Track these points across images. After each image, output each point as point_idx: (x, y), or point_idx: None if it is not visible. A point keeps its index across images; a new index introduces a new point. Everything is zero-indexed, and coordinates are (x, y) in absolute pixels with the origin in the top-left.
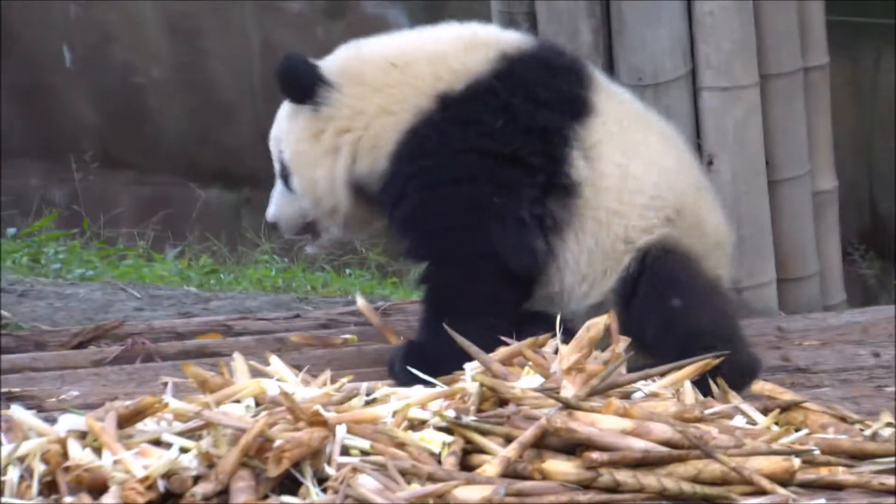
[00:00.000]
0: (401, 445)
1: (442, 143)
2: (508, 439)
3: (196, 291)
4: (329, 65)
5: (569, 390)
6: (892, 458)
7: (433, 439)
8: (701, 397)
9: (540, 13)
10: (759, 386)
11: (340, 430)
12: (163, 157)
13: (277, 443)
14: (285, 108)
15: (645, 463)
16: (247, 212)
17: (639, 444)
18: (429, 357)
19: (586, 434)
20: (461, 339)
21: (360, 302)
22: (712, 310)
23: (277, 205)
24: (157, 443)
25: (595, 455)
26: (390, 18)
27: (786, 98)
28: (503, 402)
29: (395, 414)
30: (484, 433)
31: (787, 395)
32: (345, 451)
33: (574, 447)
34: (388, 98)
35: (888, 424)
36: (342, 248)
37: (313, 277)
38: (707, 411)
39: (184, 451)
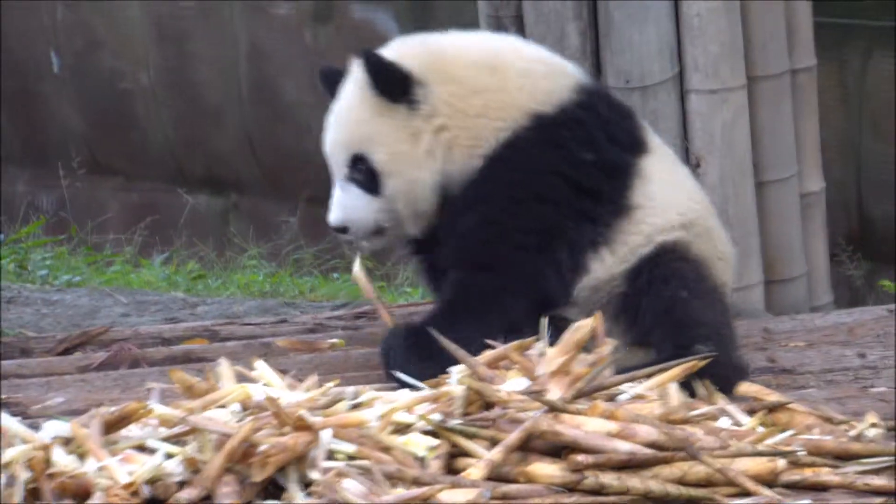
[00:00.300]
0: (386, 449)
1: (533, 159)
2: (494, 442)
3: (183, 297)
4: (408, 63)
5: (554, 393)
6: (877, 459)
7: (418, 443)
8: (687, 399)
9: (527, 15)
10: (744, 387)
11: (326, 435)
12: (150, 163)
13: (262, 448)
14: (369, 108)
15: (630, 465)
16: (234, 217)
17: (624, 447)
18: (428, 342)
19: (572, 437)
20: (446, 342)
21: (356, 270)
22: (712, 307)
23: (349, 208)
24: (142, 448)
25: (580, 458)
26: (378, 22)
27: (773, 100)
28: (489, 406)
29: (380, 418)
30: (469, 436)
31: (773, 397)
32: (330, 455)
33: (560, 450)
34: (489, 103)
35: (873, 425)
36: (329, 253)
37: (300, 282)
38: (692, 413)
39: (169, 456)
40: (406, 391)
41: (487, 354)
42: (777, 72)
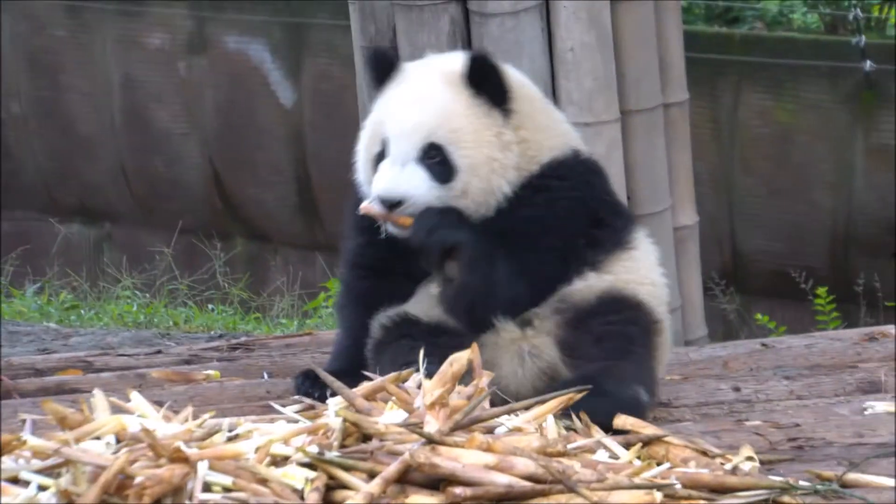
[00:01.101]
0: (263, 482)
1: (577, 186)
2: (372, 475)
3: (56, 327)
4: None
5: (432, 425)
6: (753, 493)
7: (296, 475)
8: (564, 432)
9: (402, 49)
10: (621, 420)
11: (202, 467)
12: (22, 193)
13: (138, 480)
14: (464, 105)
15: (508, 498)
16: (108, 247)
17: (502, 479)
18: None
19: (449, 469)
20: (326, 376)
21: (365, 205)
22: (646, 357)
23: (410, 186)
24: (16, 481)
25: (458, 490)
26: (252, 53)
27: (646, 134)
28: (367, 438)
29: (257, 450)
30: (347, 469)
31: (649, 430)
32: (206, 487)
33: (437, 482)
34: (553, 128)
35: (748, 459)
36: (204, 284)
37: (175, 313)
38: (570, 446)
39: (42, 488)
40: (283, 423)
41: (365, 386)
42: (650, 106)
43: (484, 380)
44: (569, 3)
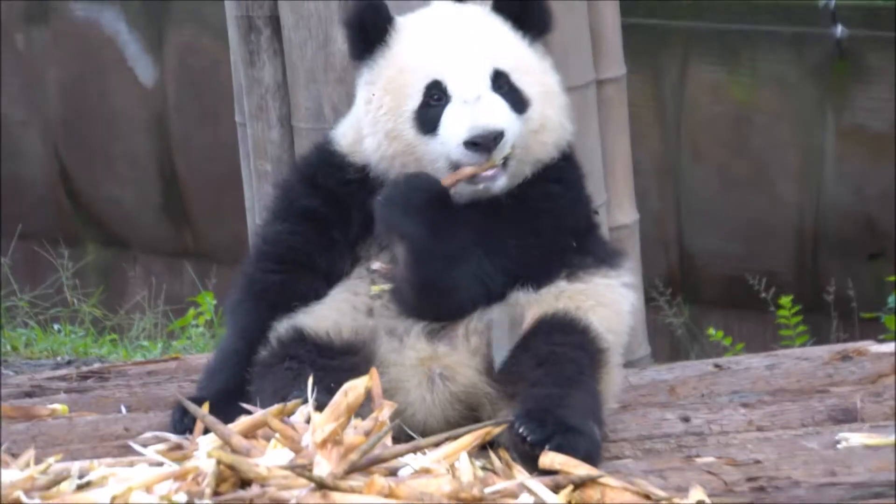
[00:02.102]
0: None
1: (580, 181)
2: None
3: None
4: None
5: (323, 467)
6: None
7: None
8: (480, 473)
9: (284, 17)
10: (548, 458)
11: None
12: None
13: None
14: (513, 38)
15: None
16: None
17: None
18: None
19: None
20: (193, 408)
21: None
22: (591, 386)
23: (506, 116)
24: None
25: None
26: (104, 22)
27: (577, 116)
28: (245, 483)
29: (114, 499)
30: None
31: (581, 469)
32: None
33: None
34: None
35: (699, 503)
36: (48, 300)
37: (14, 335)
38: (487, 490)
39: None
40: (145, 467)
41: (243, 422)
42: (580, 83)
43: (385, 411)
44: None
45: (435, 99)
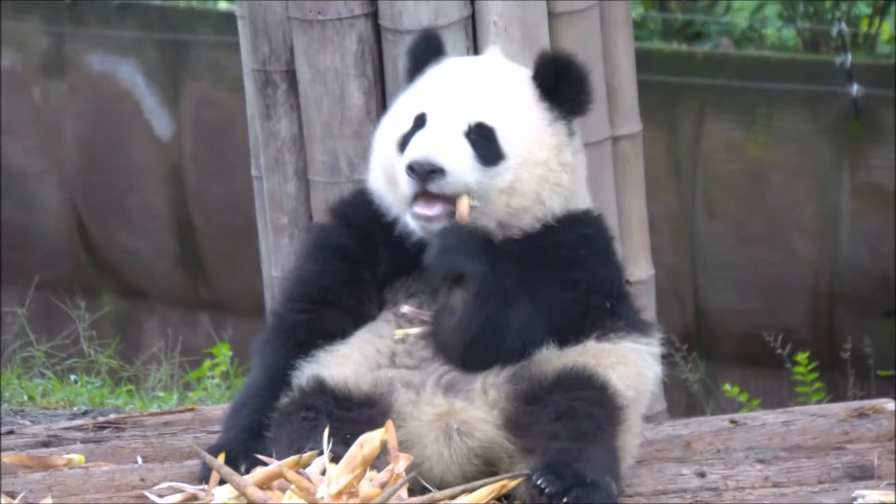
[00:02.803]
0: None
1: (609, 246)
2: None
3: None
4: None
5: None
6: None
7: None
8: None
9: (301, 72)
10: None
11: None
12: None
13: None
14: (525, 95)
15: None
16: None
17: None
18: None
19: None
20: (210, 458)
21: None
22: (616, 434)
23: (454, 156)
24: None
25: None
26: (121, 75)
27: (592, 172)
28: None
29: None
30: None
31: None
32: None
33: None
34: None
35: None
36: (65, 350)
37: (30, 385)
38: None
39: None
40: None
41: (258, 473)
42: (596, 139)
43: (401, 464)
44: (499, 19)
45: (416, 128)
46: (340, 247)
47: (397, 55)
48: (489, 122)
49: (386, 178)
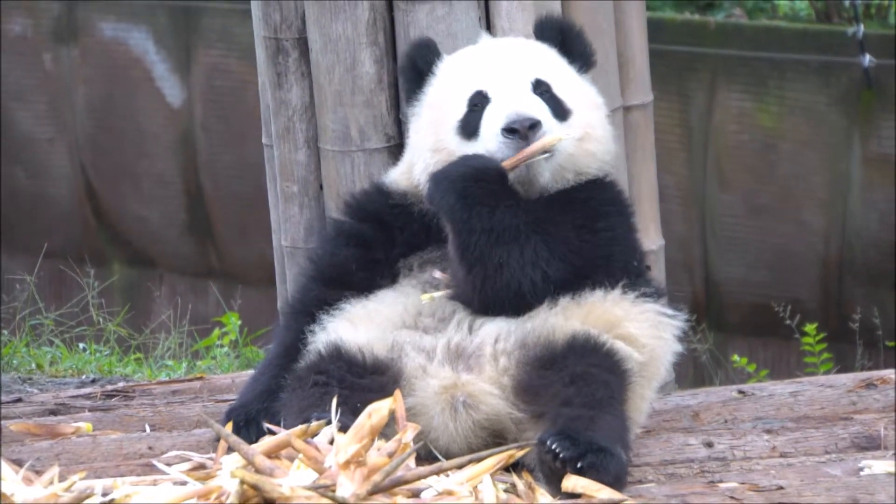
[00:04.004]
0: None
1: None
2: None
3: None
4: None
5: (346, 488)
6: None
7: None
8: (503, 495)
9: (312, 40)
10: (571, 482)
11: None
12: None
13: None
14: (555, 56)
15: None
16: None
17: None
18: None
19: None
20: (218, 427)
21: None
22: (625, 401)
23: (540, 109)
24: None
25: None
26: (132, 42)
27: None
28: (268, 503)
29: None
30: None
31: (604, 493)
32: None
33: None
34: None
35: None
36: (74, 318)
37: (39, 353)
38: None
39: None
40: (169, 485)
41: (266, 442)
42: (608, 109)
43: (409, 433)
44: None
45: (477, 107)
46: (354, 232)
47: (409, 23)
48: (544, 78)
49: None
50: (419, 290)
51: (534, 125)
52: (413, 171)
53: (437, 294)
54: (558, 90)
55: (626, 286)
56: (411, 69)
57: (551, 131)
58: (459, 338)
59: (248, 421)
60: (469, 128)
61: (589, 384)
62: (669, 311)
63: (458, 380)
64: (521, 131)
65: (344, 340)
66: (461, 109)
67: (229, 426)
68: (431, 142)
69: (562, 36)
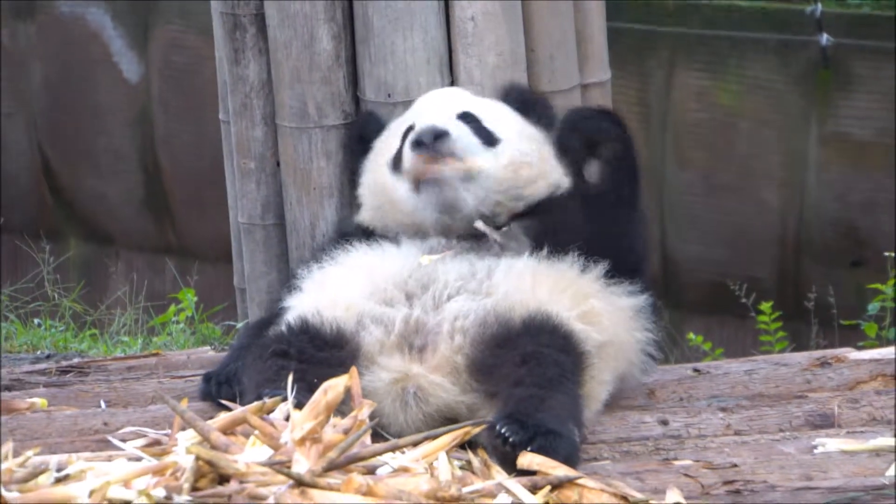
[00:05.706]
0: None
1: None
2: None
3: None
4: None
5: (302, 464)
6: None
7: None
8: (458, 472)
9: (269, 16)
10: (526, 459)
11: None
12: None
13: None
14: (500, 105)
15: None
16: None
17: None
18: None
19: None
20: (174, 403)
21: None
22: (580, 381)
23: (459, 129)
24: None
25: None
26: (89, 18)
27: None
28: (224, 479)
29: (91, 493)
30: None
31: (560, 470)
32: None
33: None
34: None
35: None
36: (29, 294)
37: None
38: (465, 489)
39: None
40: (123, 461)
41: (222, 418)
42: (565, 87)
43: (364, 410)
44: None
45: (405, 138)
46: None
47: (367, 2)
48: (475, 112)
49: (383, 200)
50: (422, 251)
51: (439, 135)
52: (362, 213)
53: (435, 257)
54: (488, 122)
55: (610, 272)
56: (357, 141)
57: (471, 151)
58: (420, 312)
59: (225, 381)
60: (397, 161)
61: (540, 364)
62: (643, 298)
63: (409, 371)
64: (426, 143)
65: (313, 311)
66: (396, 146)
67: (184, 403)
68: (371, 179)
69: (522, 99)
